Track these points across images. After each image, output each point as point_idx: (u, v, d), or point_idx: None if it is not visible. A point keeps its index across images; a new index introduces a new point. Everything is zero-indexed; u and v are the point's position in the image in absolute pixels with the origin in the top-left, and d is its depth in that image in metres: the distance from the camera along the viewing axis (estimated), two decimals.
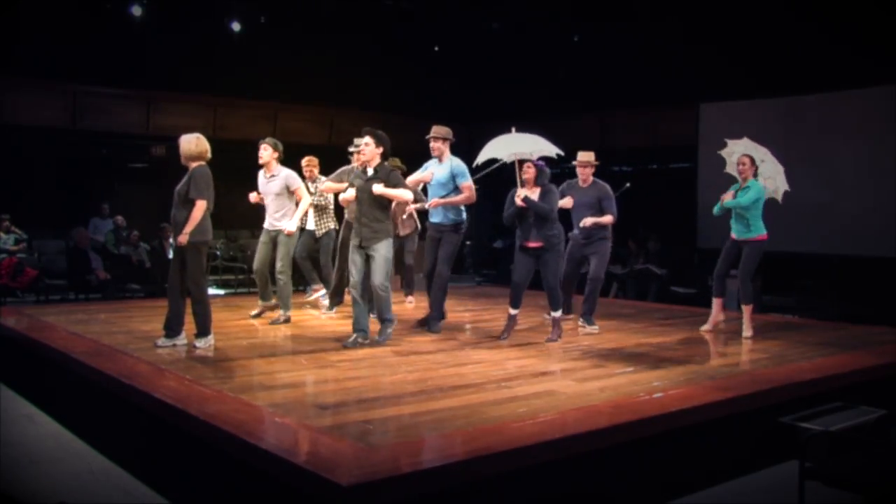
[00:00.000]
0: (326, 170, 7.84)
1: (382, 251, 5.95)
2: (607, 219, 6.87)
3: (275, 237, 7.02)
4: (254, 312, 7.32)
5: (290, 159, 7.14)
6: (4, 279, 9.95)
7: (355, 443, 3.58)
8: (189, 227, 5.57)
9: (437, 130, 6.66)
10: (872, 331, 7.16)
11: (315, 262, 7.97)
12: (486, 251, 15.41)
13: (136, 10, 12.57)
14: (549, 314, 6.50)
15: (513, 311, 6.37)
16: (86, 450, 4.89)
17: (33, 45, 11.77)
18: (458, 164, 6.59)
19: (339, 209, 7.57)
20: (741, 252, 6.65)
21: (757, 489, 4.39)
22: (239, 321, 7.23)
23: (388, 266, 6.00)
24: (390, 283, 6.13)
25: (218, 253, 12.62)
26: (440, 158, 6.65)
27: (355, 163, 6.99)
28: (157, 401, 4.32)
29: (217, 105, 13.40)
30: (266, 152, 6.94)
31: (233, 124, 13.31)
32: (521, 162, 6.23)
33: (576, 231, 7.01)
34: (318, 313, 7.67)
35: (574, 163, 7.08)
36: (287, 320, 7.05)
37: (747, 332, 6.65)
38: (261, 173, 7.08)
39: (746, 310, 6.69)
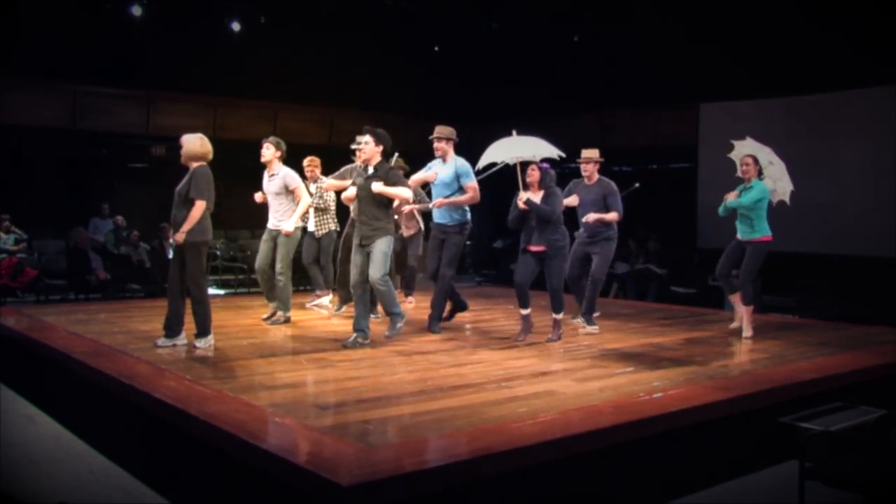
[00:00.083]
0: (326, 170, 7.84)
1: (380, 246, 5.95)
2: (612, 216, 6.85)
3: (275, 237, 7.01)
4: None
5: (290, 159, 7.13)
6: (4, 279, 9.95)
7: (355, 443, 3.58)
8: (186, 226, 5.57)
9: (440, 130, 6.65)
10: (872, 331, 7.15)
11: (315, 261, 7.95)
12: (486, 251, 15.41)
13: (136, 10, 12.56)
14: (563, 315, 6.47)
15: (524, 312, 6.31)
16: (86, 450, 4.88)
17: (33, 44, 11.77)
18: (463, 164, 6.58)
19: (342, 209, 7.57)
20: (745, 252, 6.65)
21: (757, 489, 4.39)
22: (239, 321, 7.23)
23: (385, 260, 5.98)
24: (389, 279, 6.13)
25: (218, 253, 12.62)
26: (444, 158, 6.63)
27: (358, 161, 6.99)
28: (157, 401, 4.32)
29: (217, 105, 13.39)
30: (268, 151, 6.94)
31: (233, 124, 13.30)
32: (524, 164, 6.22)
33: (581, 230, 7.00)
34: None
35: (578, 160, 7.09)
36: (287, 320, 7.05)
37: (747, 332, 6.65)
38: (265, 172, 7.08)
39: (747, 310, 6.68)
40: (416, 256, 8.24)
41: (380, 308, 7.05)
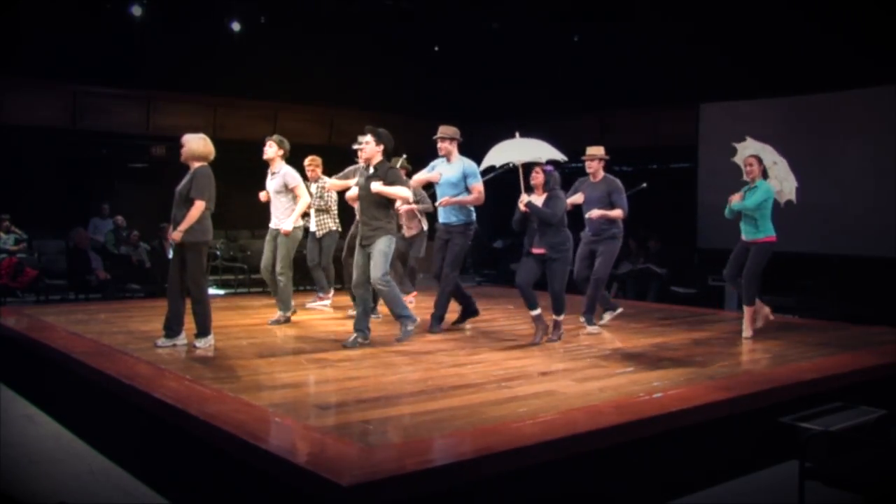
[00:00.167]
0: (326, 170, 7.83)
1: (380, 246, 5.93)
2: (616, 212, 6.84)
3: (276, 236, 7.01)
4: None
5: (290, 159, 7.14)
6: (4, 279, 9.94)
7: (356, 443, 3.58)
8: (184, 226, 5.56)
9: (444, 130, 6.64)
10: (872, 331, 7.15)
11: (319, 263, 7.94)
12: (486, 251, 15.40)
13: (136, 10, 12.57)
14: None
15: (534, 313, 6.25)
16: (86, 450, 4.88)
17: (33, 44, 11.77)
18: (470, 164, 6.57)
19: (345, 209, 7.55)
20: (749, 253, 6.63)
21: (757, 489, 4.39)
22: (239, 321, 7.23)
23: (385, 260, 5.96)
24: (391, 279, 6.11)
25: (218, 253, 12.61)
26: (448, 158, 6.63)
27: (361, 160, 6.97)
28: (157, 401, 4.32)
29: (217, 105, 13.40)
30: (270, 149, 6.94)
31: (233, 124, 13.31)
32: (527, 166, 6.21)
33: (587, 230, 7.00)
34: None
35: (583, 157, 7.08)
36: (287, 320, 7.05)
37: (747, 332, 6.64)
38: (269, 171, 7.07)
39: (748, 311, 6.67)
40: (418, 258, 8.22)
41: (380, 308, 7.05)
